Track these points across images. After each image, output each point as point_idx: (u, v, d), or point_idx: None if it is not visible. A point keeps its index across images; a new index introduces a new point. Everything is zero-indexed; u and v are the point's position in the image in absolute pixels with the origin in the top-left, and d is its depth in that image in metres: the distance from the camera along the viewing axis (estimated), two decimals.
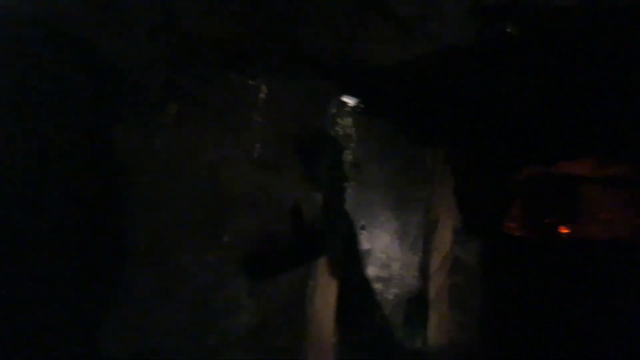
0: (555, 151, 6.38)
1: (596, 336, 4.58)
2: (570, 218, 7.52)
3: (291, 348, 3.29)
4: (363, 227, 4.95)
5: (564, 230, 7.34)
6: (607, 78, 3.44)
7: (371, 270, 5.01)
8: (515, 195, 7.44)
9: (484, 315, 5.65)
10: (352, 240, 4.85)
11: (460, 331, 5.69)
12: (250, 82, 2.98)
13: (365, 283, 4.84)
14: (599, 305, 4.80)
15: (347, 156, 4.64)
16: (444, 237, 5.67)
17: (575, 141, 6.29)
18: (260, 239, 3.15)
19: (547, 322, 5.60)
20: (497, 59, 3.20)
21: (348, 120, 4.52)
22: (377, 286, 5.03)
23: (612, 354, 4.32)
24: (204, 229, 2.86)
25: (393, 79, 3.70)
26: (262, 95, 2.99)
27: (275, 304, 3.53)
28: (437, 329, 5.35)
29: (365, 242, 4.95)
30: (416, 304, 5.47)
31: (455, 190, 5.82)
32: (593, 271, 5.26)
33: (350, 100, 4.51)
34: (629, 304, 4.45)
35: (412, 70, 3.42)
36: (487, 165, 6.10)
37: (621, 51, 2.94)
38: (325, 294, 4.34)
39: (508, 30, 2.53)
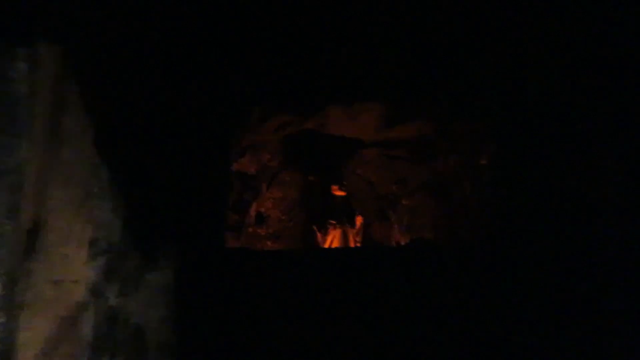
0: (320, 88, 3.61)
1: None
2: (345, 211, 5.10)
3: None
4: None
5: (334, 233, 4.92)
6: None
7: None
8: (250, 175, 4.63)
9: None
10: None
11: None
12: None
13: None
14: None
15: None
16: (65, 265, 2.13)
17: (350, 74, 3.60)
18: None
19: None
20: None
21: None
22: None
23: None
24: None
25: None
26: None
27: None
28: None
29: None
30: None
31: (99, 152, 2.44)
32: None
33: None
34: None
35: None
36: (190, 110, 3.00)
37: None
38: None
39: None
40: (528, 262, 4.08)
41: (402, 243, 4.96)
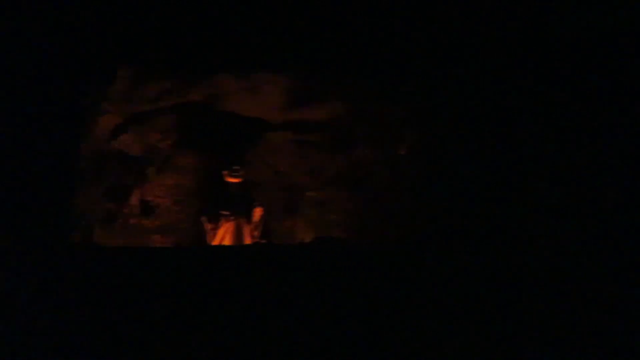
0: (204, 50, 2.93)
1: None
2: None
3: None
4: None
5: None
6: None
7: None
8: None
9: None
10: None
11: None
12: None
13: None
14: None
15: None
16: None
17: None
18: None
19: None
20: None
21: None
22: None
23: None
24: None
25: None
26: None
27: None
28: None
29: None
30: None
31: None
32: None
33: None
34: None
35: None
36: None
37: None
38: None
39: None
40: (449, 265, 3.67)
41: (306, 241, 4.41)
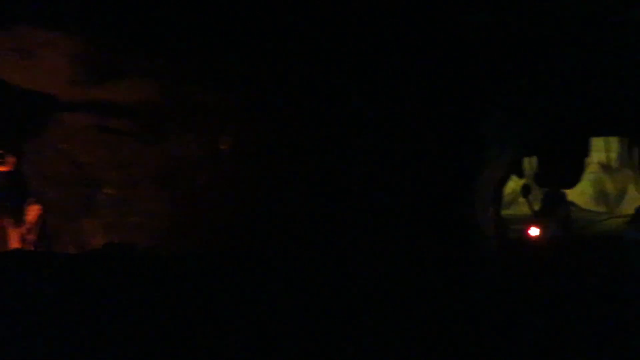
0: None
1: None
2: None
3: None
4: None
5: None
6: None
7: None
8: None
9: None
10: None
11: None
12: None
13: None
14: None
15: None
16: None
17: None
18: None
19: None
20: None
21: None
22: None
23: None
24: None
25: None
26: None
27: None
28: None
29: None
30: None
31: None
32: None
33: None
34: None
35: None
36: None
37: None
38: None
39: None
40: (275, 271, 3.35)
41: (97, 246, 3.65)
